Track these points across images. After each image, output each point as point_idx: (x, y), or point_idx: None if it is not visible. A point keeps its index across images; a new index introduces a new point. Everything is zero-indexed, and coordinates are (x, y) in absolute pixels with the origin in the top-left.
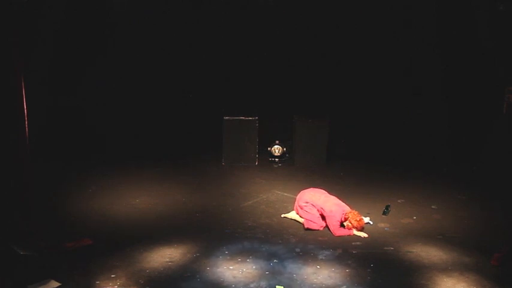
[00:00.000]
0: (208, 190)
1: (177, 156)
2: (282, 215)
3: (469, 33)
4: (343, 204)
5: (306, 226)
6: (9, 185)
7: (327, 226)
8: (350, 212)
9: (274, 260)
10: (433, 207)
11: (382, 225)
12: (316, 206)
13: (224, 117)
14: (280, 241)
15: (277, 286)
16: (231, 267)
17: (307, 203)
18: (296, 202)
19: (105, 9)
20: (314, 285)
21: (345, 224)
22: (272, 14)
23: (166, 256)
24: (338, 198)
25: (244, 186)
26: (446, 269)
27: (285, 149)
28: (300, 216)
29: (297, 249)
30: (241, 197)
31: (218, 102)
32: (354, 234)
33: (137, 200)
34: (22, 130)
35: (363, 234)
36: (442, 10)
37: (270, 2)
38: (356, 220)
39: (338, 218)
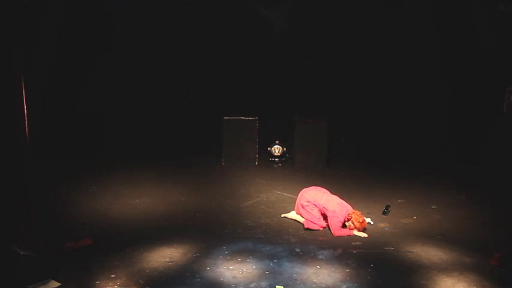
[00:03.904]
0: (208, 190)
1: (177, 156)
2: (282, 215)
3: (469, 33)
4: (346, 203)
5: (306, 226)
6: (9, 185)
7: (327, 226)
8: (353, 213)
9: (274, 260)
10: (433, 207)
11: (382, 225)
12: (318, 205)
13: (224, 117)
14: (280, 241)
15: (277, 286)
16: (231, 267)
17: (308, 202)
18: (297, 200)
19: (105, 10)
20: (314, 285)
21: (347, 224)
22: (272, 14)
23: (166, 256)
24: (339, 198)
25: (244, 186)
26: (446, 269)
27: (285, 149)
28: (300, 215)
29: (297, 249)
30: (241, 197)
31: (218, 102)
32: (354, 234)
33: (137, 200)
34: (22, 130)
35: (363, 234)
36: (442, 10)
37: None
38: (359, 222)
39: (340, 218)
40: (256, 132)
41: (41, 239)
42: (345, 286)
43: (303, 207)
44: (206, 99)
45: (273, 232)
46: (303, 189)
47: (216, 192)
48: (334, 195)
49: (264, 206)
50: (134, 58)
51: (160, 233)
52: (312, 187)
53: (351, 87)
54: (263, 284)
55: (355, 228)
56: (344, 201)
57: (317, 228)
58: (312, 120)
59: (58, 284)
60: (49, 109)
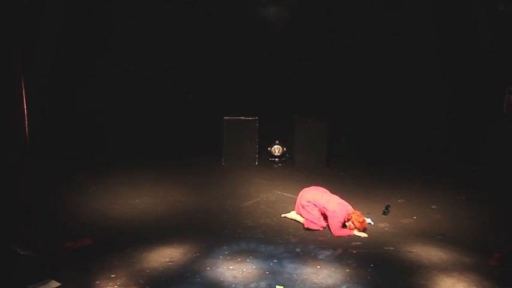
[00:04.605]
0: (208, 190)
1: (177, 156)
2: (282, 215)
3: (469, 33)
4: (346, 203)
5: (306, 226)
6: (9, 185)
7: (327, 226)
8: (353, 213)
9: (274, 260)
10: (433, 207)
11: (382, 225)
12: (318, 205)
13: (224, 117)
14: (280, 241)
15: (277, 286)
16: (231, 267)
17: (309, 202)
18: (298, 200)
19: (105, 10)
20: (314, 285)
21: (347, 224)
22: (272, 14)
23: (166, 256)
24: (340, 197)
25: (244, 186)
26: (446, 269)
27: (285, 149)
28: (301, 215)
29: (297, 249)
30: (241, 197)
31: (218, 102)
32: (354, 234)
33: (137, 200)
34: (22, 130)
35: (363, 234)
36: (442, 10)
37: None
38: (359, 221)
39: (341, 218)
40: (256, 132)
41: (41, 239)
42: (345, 286)
43: (303, 207)
44: (206, 99)
45: (273, 232)
46: (303, 189)
47: (216, 192)
48: (335, 195)
49: (264, 206)
50: (134, 58)
51: (160, 233)
52: (312, 187)
53: (351, 87)
54: (263, 284)
55: (355, 228)
56: (344, 201)
57: (317, 228)
58: (312, 120)
59: (58, 284)
60: (49, 109)
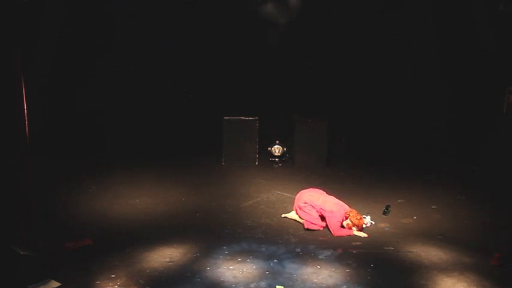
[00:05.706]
0: (208, 190)
1: (177, 156)
2: (282, 215)
3: (469, 33)
4: (343, 203)
5: (306, 226)
6: (9, 184)
7: (326, 226)
8: (350, 211)
9: (274, 260)
10: (433, 207)
11: (382, 225)
12: (315, 206)
13: (224, 117)
14: (280, 241)
15: (277, 286)
16: (231, 267)
17: (306, 203)
18: (295, 202)
19: (105, 10)
20: (314, 285)
21: (345, 223)
22: (272, 14)
23: (166, 256)
24: (337, 198)
25: (244, 186)
26: (446, 269)
27: (285, 149)
28: (300, 217)
29: (297, 249)
30: (241, 197)
31: (218, 102)
32: (354, 234)
33: (137, 200)
34: (22, 130)
35: (363, 234)
36: (442, 10)
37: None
38: (357, 219)
39: (339, 218)
40: (256, 132)
41: (41, 239)
42: (345, 286)
43: (300, 209)
44: (206, 99)
45: (273, 232)
46: (300, 191)
47: (216, 192)
48: (331, 196)
49: (264, 206)
50: (134, 58)
51: (160, 233)
52: (309, 189)
53: (351, 87)
54: (263, 284)
55: (354, 225)
56: (340, 201)
57: (317, 229)
58: (312, 120)
59: (58, 284)
60: (49, 109)
